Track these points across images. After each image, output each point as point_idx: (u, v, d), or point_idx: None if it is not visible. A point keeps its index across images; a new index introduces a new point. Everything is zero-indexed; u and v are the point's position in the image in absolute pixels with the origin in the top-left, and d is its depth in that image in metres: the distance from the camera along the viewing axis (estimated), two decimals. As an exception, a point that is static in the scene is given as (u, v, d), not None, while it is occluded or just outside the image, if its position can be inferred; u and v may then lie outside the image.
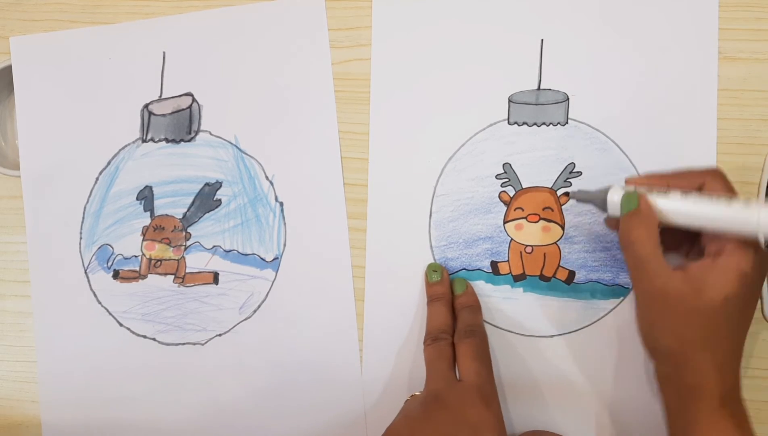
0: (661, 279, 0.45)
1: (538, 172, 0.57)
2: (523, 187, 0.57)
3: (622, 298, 0.55)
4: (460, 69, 0.58)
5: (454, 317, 0.54)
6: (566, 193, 0.56)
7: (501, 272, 0.56)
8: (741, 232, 0.44)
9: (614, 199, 0.48)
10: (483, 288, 0.56)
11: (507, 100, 0.57)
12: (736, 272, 0.44)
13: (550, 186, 0.56)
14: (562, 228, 0.56)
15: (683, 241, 0.49)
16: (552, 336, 0.55)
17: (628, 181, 0.49)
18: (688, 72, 0.55)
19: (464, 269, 0.57)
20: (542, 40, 0.57)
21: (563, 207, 0.56)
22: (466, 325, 0.53)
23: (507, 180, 0.57)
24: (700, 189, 0.47)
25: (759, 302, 0.54)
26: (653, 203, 0.46)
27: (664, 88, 0.55)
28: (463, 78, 0.58)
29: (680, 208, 0.46)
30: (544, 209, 0.56)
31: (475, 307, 0.55)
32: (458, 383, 0.49)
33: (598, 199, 0.49)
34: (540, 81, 0.57)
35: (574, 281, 0.55)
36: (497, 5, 0.58)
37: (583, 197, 0.51)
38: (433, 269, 0.56)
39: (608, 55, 0.56)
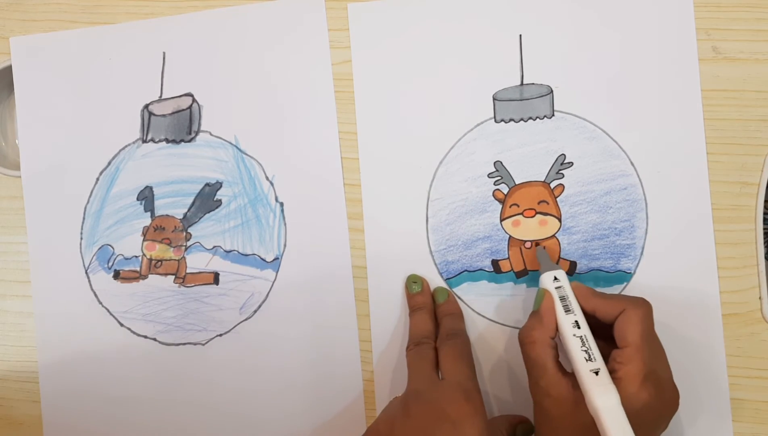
0: (546, 381, 0.47)
1: (529, 167, 0.57)
2: (516, 183, 0.57)
3: (625, 283, 0.55)
4: (442, 72, 0.58)
5: (436, 325, 0.55)
6: (561, 185, 0.56)
7: (503, 270, 0.56)
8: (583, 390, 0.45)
9: (541, 283, 0.51)
10: (486, 288, 0.56)
11: (491, 99, 0.57)
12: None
13: (543, 179, 0.56)
14: (559, 220, 0.56)
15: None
16: None
17: (573, 284, 0.50)
18: (667, 53, 0.56)
19: (466, 270, 0.57)
20: (521, 35, 0.57)
21: (558, 199, 0.56)
22: (449, 329, 0.53)
23: (499, 178, 0.57)
24: (618, 315, 0.47)
25: (759, 302, 0.54)
26: (557, 311, 0.48)
27: (646, 71, 0.56)
28: (446, 80, 0.58)
29: (563, 332, 0.48)
30: (539, 203, 0.56)
31: (457, 314, 0.55)
32: (439, 381, 0.49)
33: (541, 271, 0.52)
34: (522, 76, 0.57)
35: (576, 271, 0.56)
36: (473, 4, 0.58)
37: (539, 258, 0.54)
38: (413, 280, 0.56)
39: (587, 43, 0.57)
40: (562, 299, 0.49)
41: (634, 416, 0.43)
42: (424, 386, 0.49)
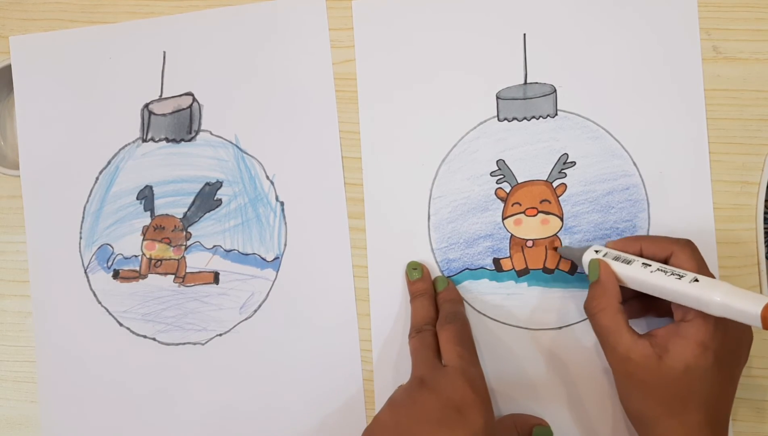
0: (623, 347, 0.47)
1: (532, 166, 0.57)
2: (519, 182, 0.57)
3: None
4: (446, 69, 0.58)
5: (437, 310, 0.55)
6: (563, 184, 0.56)
7: (504, 269, 0.56)
8: (693, 307, 0.45)
9: (586, 262, 0.51)
10: (487, 286, 0.56)
11: (495, 97, 0.57)
12: (695, 341, 0.45)
13: (545, 178, 0.57)
14: (561, 219, 0.56)
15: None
16: (560, 328, 0.56)
17: (607, 245, 0.51)
18: (671, 53, 0.56)
19: (467, 268, 0.57)
20: (525, 34, 0.57)
21: (560, 198, 0.56)
22: (447, 313, 0.53)
23: (502, 176, 0.57)
24: (668, 258, 0.48)
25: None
26: (617, 271, 0.49)
27: (649, 71, 0.56)
28: (450, 78, 0.58)
29: (639, 278, 0.47)
30: (541, 202, 0.56)
31: (456, 299, 0.56)
32: (442, 368, 0.49)
33: (578, 259, 0.52)
34: (526, 75, 0.57)
35: (578, 270, 0.56)
36: (477, 3, 0.58)
37: (567, 255, 0.55)
38: (413, 266, 0.56)
39: (592, 43, 0.57)
40: (616, 258, 0.49)
41: (722, 348, 0.45)
42: (428, 373, 0.49)
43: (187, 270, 0.60)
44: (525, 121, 0.57)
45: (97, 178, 0.62)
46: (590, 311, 0.49)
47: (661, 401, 0.45)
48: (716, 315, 0.43)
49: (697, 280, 0.44)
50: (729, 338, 0.45)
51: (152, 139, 0.61)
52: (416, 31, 0.59)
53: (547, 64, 0.57)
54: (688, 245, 0.48)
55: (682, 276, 0.45)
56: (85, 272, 0.61)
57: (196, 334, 0.60)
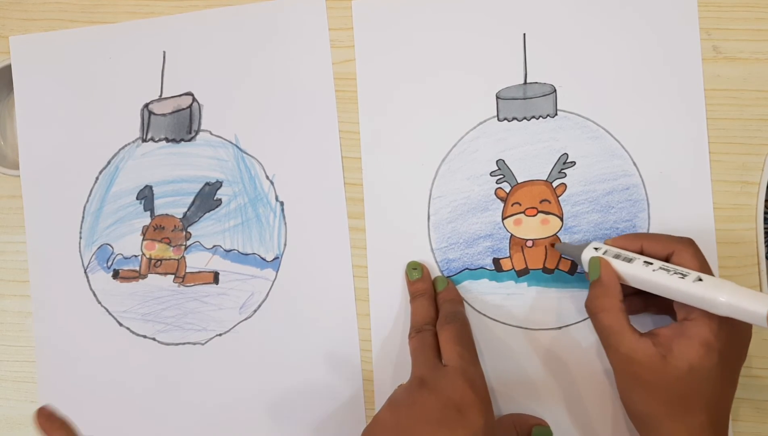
0: (626, 347, 0.46)
1: (532, 166, 0.57)
2: (519, 181, 0.57)
3: None
4: (446, 69, 0.58)
5: (437, 310, 0.55)
6: (563, 184, 0.56)
7: (504, 269, 0.56)
8: (696, 306, 0.44)
9: (586, 259, 0.50)
10: (487, 286, 0.56)
11: (495, 97, 0.57)
12: (700, 341, 0.44)
13: (545, 178, 0.57)
14: (561, 219, 0.56)
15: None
16: (560, 328, 0.56)
17: (606, 243, 0.50)
18: (671, 53, 0.56)
19: (467, 268, 0.57)
20: (524, 34, 0.57)
21: (560, 198, 0.56)
22: (447, 313, 0.53)
23: (502, 176, 0.57)
24: (669, 256, 0.48)
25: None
26: (618, 269, 0.48)
27: (649, 70, 0.56)
28: (450, 78, 0.58)
29: (641, 276, 0.47)
30: (541, 202, 0.56)
31: (456, 299, 0.56)
32: (443, 368, 0.49)
33: (577, 257, 0.52)
34: (526, 75, 0.57)
35: (578, 270, 0.56)
36: (477, 3, 0.58)
37: (564, 251, 0.54)
38: (413, 266, 0.56)
39: (591, 43, 0.57)
40: (617, 256, 0.49)
41: (726, 348, 0.44)
42: (428, 373, 0.49)
43: (187, 270, 0.60)
44: (525, 121, 0.57)
45: (97, 178, 0.62)
46: (591, 310, 0.49)
47: (664, 402, 0.45)
48: (721, 315, 0.43)
49: (700, 279, 0.44)
50: (732, 337, 0.45)
51: (152, 139, 0.61)
52: (416, 31, 0.59)
53: (547, 64, 0.57)
54: (691, 244, 0.48)
55: (685, 275, 0.45)
56: (85, 272, 0.61)
57: (196, 334, 0.60)
